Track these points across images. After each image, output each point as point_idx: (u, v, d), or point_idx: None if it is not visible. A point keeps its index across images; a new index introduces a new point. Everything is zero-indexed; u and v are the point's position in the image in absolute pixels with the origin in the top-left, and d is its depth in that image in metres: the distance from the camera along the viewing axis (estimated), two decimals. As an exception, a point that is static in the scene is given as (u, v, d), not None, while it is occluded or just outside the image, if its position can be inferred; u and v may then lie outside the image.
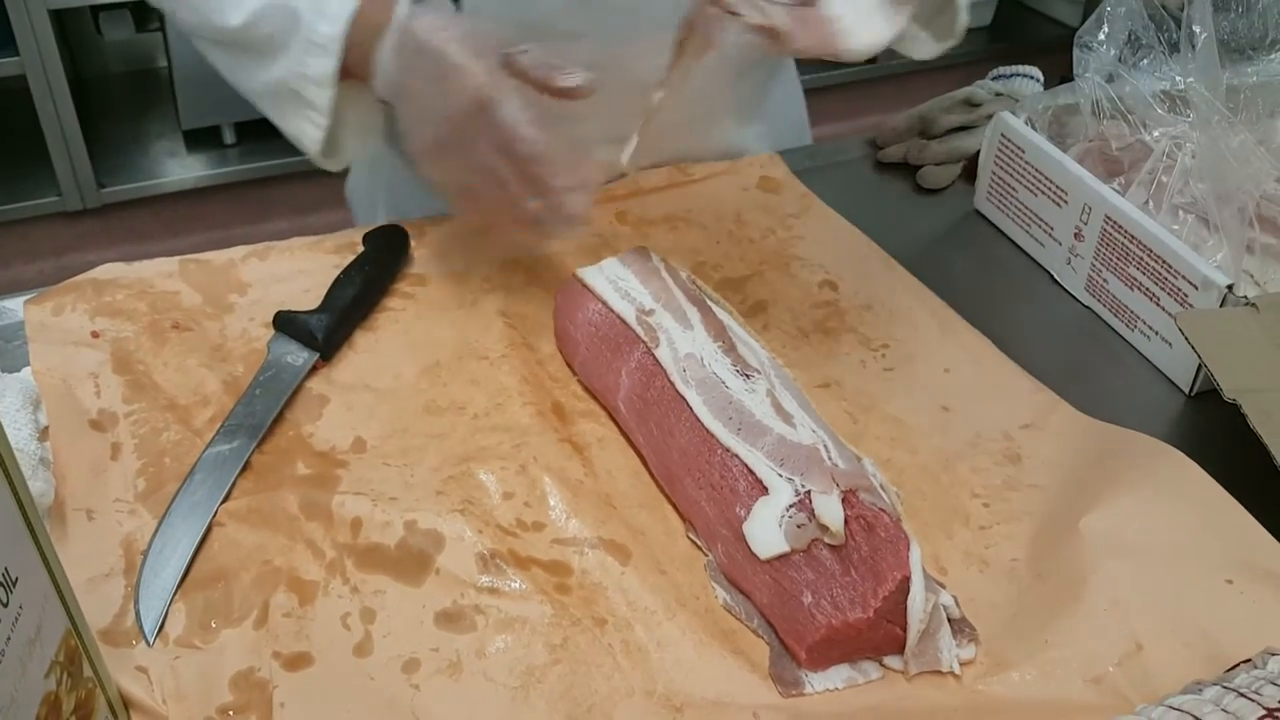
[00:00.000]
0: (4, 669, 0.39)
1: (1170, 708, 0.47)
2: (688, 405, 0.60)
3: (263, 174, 2.21)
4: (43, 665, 0.42)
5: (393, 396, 0.68)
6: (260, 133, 2.22)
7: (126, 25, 2.12)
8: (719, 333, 0.65)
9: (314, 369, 0.70)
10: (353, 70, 0.72)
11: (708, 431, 0.59)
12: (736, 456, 0.57)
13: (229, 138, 2.22)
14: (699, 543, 0.59)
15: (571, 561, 0.57)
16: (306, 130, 0.75)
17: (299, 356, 0.70)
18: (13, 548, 0.40)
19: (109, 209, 2.17)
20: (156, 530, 0.58)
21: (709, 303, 0.69)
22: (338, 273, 0.75)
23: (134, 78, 2.42)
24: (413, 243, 0.79)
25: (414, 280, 0.77)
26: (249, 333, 0.72)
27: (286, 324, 0.71)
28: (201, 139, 2.21)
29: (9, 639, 0.39)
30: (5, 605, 0.39)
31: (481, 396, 0.68)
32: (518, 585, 0.56)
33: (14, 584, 0.40)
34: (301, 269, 0.77)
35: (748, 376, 0.62)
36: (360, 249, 0.78)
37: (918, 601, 0.52)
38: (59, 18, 2.02)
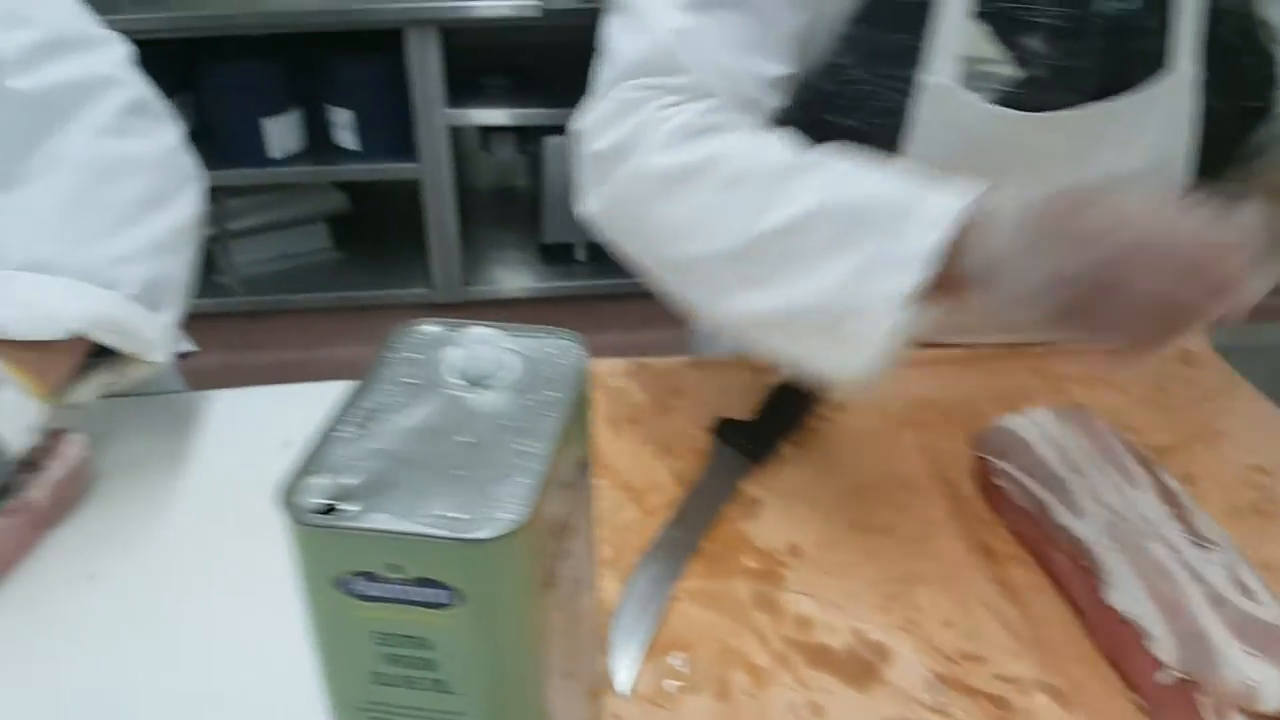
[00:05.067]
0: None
1: None
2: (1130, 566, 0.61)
3: (604, 290, 2.38)
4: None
5: (822, 509, 0.72)
6: (606, 254, 2.40)
7: (510, 146, 2.37)
8: (1169, 498, 0.65)
9: (748, 473, 0.75)
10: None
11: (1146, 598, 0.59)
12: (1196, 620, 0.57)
13: (580, 255, 2.42)
14: (1141, 704, 0.59)
15: (1014, 700, 0.58)
16: (848, 358, 0.61)
17: (736, 460, 0.76)
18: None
19: (469, 305, 2.40)
20: (625, 595, 0.64)
21: (1154, 467, 0.69)
22: (762, 389, 0.82)
23: (505, 192, 2.71)
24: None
25: (833, 405, 0.82)
26: (688, 432, 0.79)
27: (726, 429, 0.78)
28: (556, 253, 2.42)
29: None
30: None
31: (909, 523, 0.71)
32: (964, 713, 0.57)
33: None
34: (731, 382, 0.84)
35: (1204, 547, 0.62)
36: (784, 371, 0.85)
37: None
38: (454, 134, 2.29)
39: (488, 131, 2.44)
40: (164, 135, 0.76)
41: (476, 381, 0.42)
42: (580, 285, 2.39)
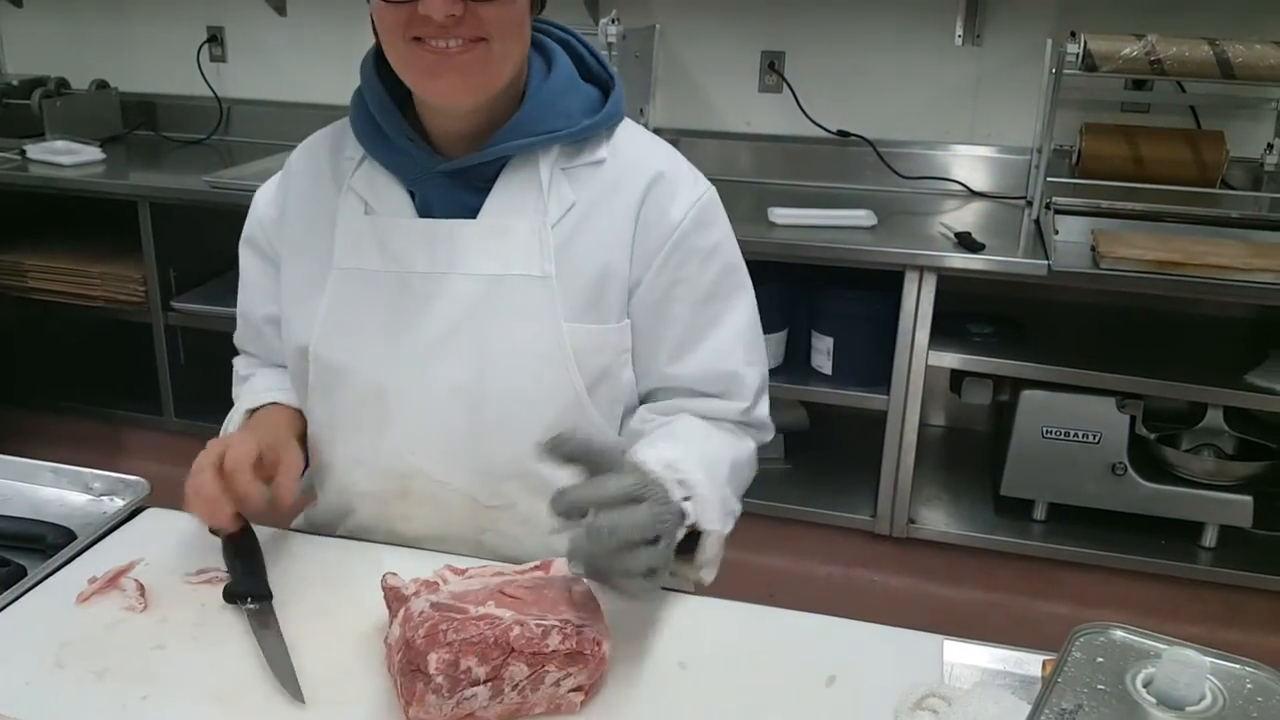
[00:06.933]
0: None
1: None
2: None
3: (1061, 556, 2.24)
4: None
5: None
6: (1072, 516, 2.27)
7: (984, 392, 2.33)
8: None
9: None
10: None
11: None
12: None
13: (1039, 514, 2.30)
14: None
15: None
16: None
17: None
18: None
19: (909, 542, 2.35)
20: None
21: None
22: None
23: (964, 434, 2.67)
24: None
25: None
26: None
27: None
28: (1013, 508, 2.32)
29: None
30: None
31: None
32: None
33: None
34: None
35: None
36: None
37: None
38: (927, 371, 2.29)
39: (960, 373, 2.43)
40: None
41: (1173, 706, 0.41)
42: (1035, 546, 2.27)
